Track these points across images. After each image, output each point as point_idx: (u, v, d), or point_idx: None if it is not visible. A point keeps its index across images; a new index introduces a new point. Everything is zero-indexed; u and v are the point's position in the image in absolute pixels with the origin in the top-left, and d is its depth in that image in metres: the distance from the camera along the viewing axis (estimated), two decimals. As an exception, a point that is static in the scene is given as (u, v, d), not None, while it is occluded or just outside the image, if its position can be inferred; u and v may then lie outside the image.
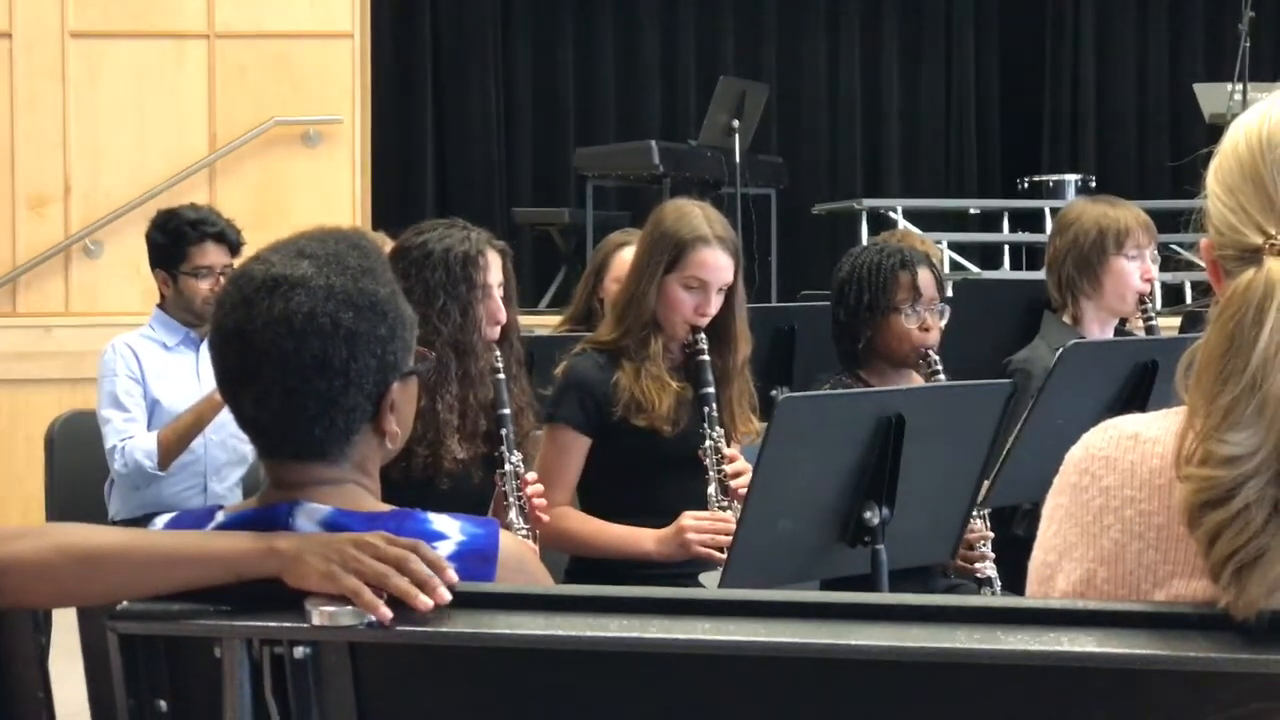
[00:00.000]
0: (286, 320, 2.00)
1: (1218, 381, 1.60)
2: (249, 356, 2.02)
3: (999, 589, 3.87)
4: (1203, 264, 1.77)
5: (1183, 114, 11.16)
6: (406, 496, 2.30)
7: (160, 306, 5.00)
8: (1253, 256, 1.65)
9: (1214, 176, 1.72)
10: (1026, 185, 10.37)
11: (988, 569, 3.90)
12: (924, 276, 3.99)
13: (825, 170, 11.74)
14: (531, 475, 3.69)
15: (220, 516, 2.11)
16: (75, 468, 4.91)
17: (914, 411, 3.29)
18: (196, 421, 4.69)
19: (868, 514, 3.31)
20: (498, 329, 3.73)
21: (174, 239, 4.90)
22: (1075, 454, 1.76)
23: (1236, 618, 1.56)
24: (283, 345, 2.00)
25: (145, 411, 4.82)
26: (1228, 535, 1.57)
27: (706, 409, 3.80)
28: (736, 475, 3.74)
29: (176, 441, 4.71)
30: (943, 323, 4.01)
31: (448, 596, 1.80)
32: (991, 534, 3.92)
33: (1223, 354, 1.60)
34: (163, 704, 1.88)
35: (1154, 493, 1.68)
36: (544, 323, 6.48)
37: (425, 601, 1.79)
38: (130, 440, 4.73)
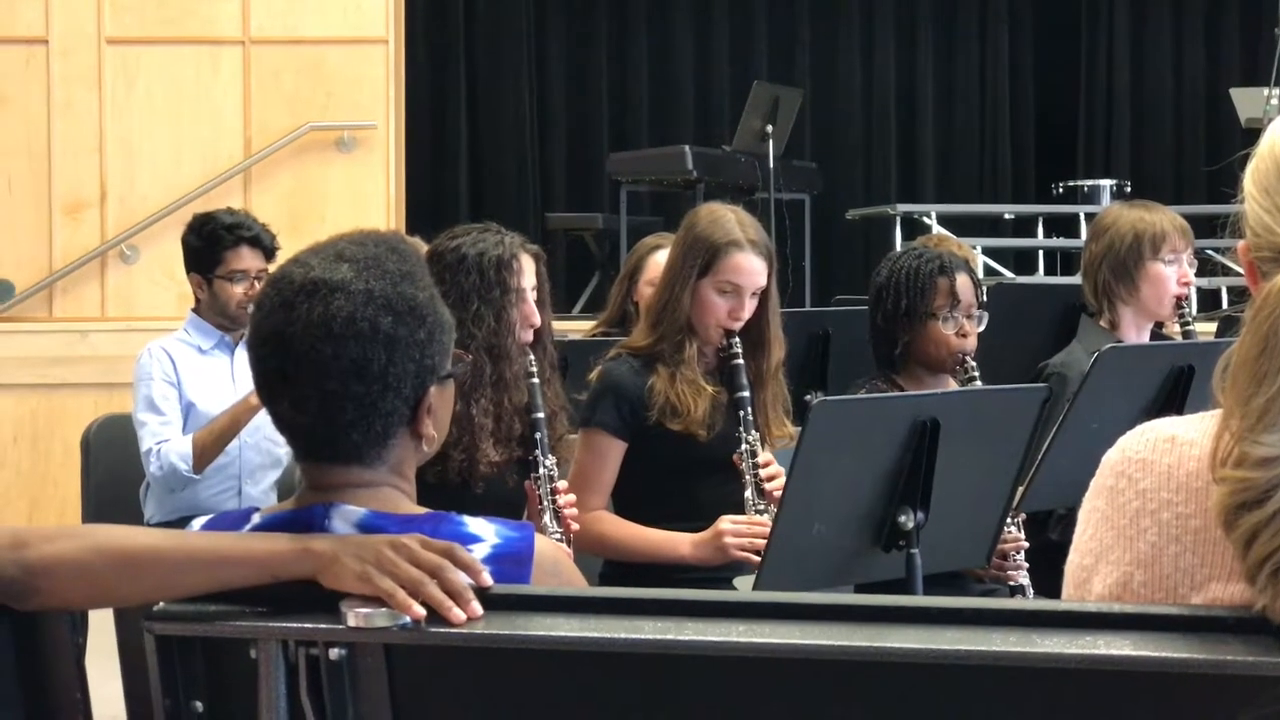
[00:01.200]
0: (326, 324, 2.00)
1: (1252, 383, 1.59)
2: (287, 360, 2.02)
3: (1031, 598, 3.85)
4: (1239, 268, 1.76)
5: (1219, 119, 11.13)
6: (442, 500, 2.30)
7: (195, 311, 5.02)
8: (1288, 258, 1.65)
9: (1251, 179, 1.72)
10: (1061, 190, 10.34)
11: (1021, 577, 3.89)
12: (962, 283, 3.98)
13: (859, 175, 11.73)
14: (563, 484, 3.69)
15: (256, 518, 2.12)
16: (111, 472, 4.93)
17: (949, 416, 3.29)
18: (232, 425, 4.71)
19: (902, 518, 3.30)
20: (531, 332, 3.74)
21: (209, 243, 4.92)
22: (1112, 457, 1.76)
23: (1274, 620, 1.56)
24: (321, 349, 2.00)
25: (181, 415, 4.84)
26: (1264, 537, 1.56)
27: (741, 413, 3.79)
28: (771, 479, 3.73)
29: (212, 444, 4.72)
30: (980, 329, 4.01)
31: (480, 611, 1.80)
32: (1026, 542, 3.90)
33: (1257, 355, 1.60)
34: (199, 705, 1.89)
35: (1191, 495, 1.67)
36: (577, 327, 6.48)
37: (458, 615, 1.79)
38: (166, 443, 4.74)
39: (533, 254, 3.79)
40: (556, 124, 11.57)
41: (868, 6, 11.80)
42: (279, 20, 8.26)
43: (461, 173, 11.31)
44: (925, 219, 9.68)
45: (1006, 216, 10.75)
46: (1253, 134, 1.80)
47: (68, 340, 7.73)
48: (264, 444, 4.91)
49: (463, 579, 1.82)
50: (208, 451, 4.73)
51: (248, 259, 4.91)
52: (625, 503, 3.91)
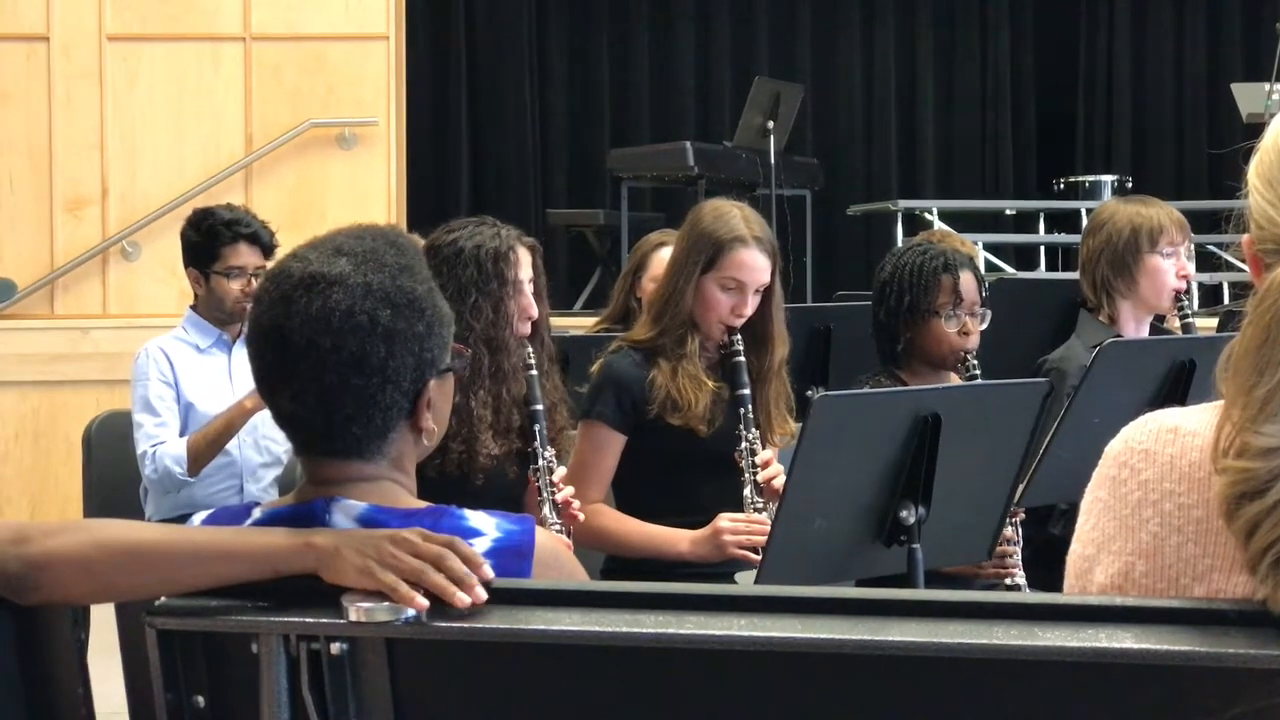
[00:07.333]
0: (325, 318, 2.00)
1: (1254, 373, 1.59)
2: (287, 354, 2.02)
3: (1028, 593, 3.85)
4: (1240, 263, 1.76)
5: (1220, 114, 11.14)
6: (442, 493, 2.30)
7: (193, 308, 5.01)
8: (1291, 250, 1.65)
9: (1255, 171, 1.72)
10: (1062, 186, 10.35)
11: (1017, 576, 3.88)
12: (966, 280, 3.97)
13: (860, 171, 11.74)
14: (562, 469, 3.69)
15: (257, 513, 2.12)
16: (113, 468, 4.92)
17: (950, 410, 3.28)
18: (226, 429, 4.68)
19: (904, 513, 3.29)
20: (529, 325, 3.74)
21: (208, 238, 4.91)
22: (1114, 447, 1.76)
23: (1275, 611, 1.56)
24: (320, 343, 2.00)
25: (178, 415, 4.82)
26: (1265, 527, 1.56)
27: (742, 410, 3.78)
28: (770, 478, 3.72)
29: (206, 448, 4.70)
30: (983, 326, 4.00)
31: (484, 595, 1.80)
32: (1020, 542, 3.89)
33: (1259, 346, 1.60)
34: (200, 700, 1.88)
35: (1193, 486, 1.67)
36: (579, 324, 6.48)
37: (463, 599, 1.79)
38: (161, 446, 4.72)
39: (529, 246, 3.79)
40: (557, 120, 11.58)
41: (868, 2, 11.80)
42: (280, 16, 8.26)
43: (462, 169, 11.31)
44: (926, 215, 9.68)
45: (1008, 212, 10.77)
46: (1254, 129, 1.79)
47: (69, 337, 7.73)
48: (263, 442, 4.90)
49: (465, 569, 1.82)
50: (202, 455, 4.70)
51: (245, 255, 4.89)
52: (624, 496, 3.91)
